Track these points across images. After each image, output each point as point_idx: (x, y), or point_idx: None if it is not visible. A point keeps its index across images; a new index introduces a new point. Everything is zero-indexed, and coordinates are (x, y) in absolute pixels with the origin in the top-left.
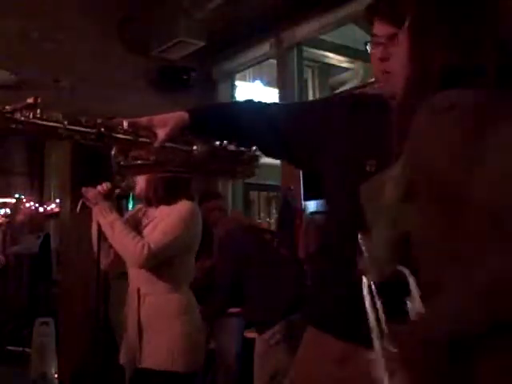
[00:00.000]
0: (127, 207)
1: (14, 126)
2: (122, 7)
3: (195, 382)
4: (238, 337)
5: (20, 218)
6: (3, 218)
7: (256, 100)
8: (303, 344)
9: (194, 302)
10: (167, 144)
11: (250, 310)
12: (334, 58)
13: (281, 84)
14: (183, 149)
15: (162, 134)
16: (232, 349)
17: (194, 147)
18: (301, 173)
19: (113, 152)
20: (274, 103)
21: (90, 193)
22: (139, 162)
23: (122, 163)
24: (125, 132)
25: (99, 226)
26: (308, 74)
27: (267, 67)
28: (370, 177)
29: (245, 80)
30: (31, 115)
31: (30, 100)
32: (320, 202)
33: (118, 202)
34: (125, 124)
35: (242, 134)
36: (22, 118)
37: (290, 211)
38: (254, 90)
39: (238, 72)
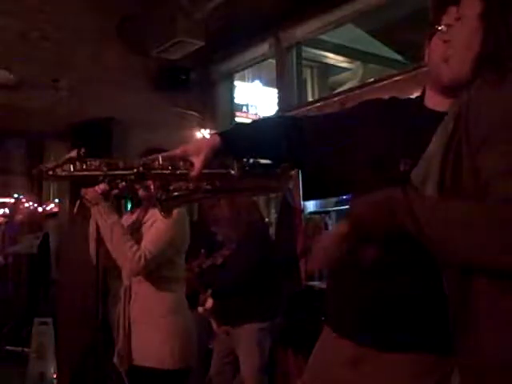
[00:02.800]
0: (126, 207)
1: (55, 181)
2: (121, 7)
3: (187, 379)
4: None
5: (19, 217)
6: (2, 218)
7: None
8: (318, 345)
9: (184, 301)
10: (204, 171)
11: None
12: (333, 58)
13: (280, 84)
14: (219, 173)
15: (197, 162)
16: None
17: (230, 170)
18: (300, 173)
19: (152, 189)
20: (302, 117)
21: (90, 193)
22: (180, 192)
23: (163, 197)
24: (162, 167)
25: (98, 226)
26: (307, 74)
27: (266, 67)
28: (405, 176)
29: (244, 80)
30: (72, 168)
31: (73, 154)
32: (319, 201)
33: (116, 202)
34: (160, 159)
35: (269, 147)
36: (64, 174)
37: (289, 211)
38: (253, 90)
39: (237, 72)
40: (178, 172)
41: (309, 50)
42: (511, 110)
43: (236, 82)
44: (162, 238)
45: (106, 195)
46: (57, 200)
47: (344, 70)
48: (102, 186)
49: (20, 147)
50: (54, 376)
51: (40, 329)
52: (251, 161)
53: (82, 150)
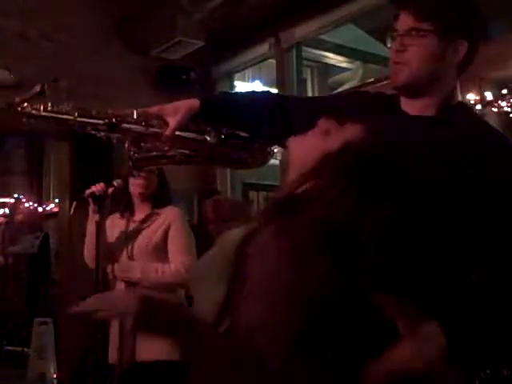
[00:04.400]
0: None
1: (24, 119)
2: (121, 7)
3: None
4: None
5: (19, 217)
6: (2, 218)
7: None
8: None
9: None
10: (179, 133)
11: None
12: (333, 58)
13: (280, 84)
14: (195, 138)
15: (172, 122)
16: None
17: (206, 136)
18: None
19: (126, 145)
20: (289, 96)
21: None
22: (153, 153)
23: (136, 155)
24: (136, 122)
25: (98, 226)
26: (307, 74)
27: (266, 67)
28: None
29: (244, 80)
30: (42, 108)
31: (37, 88)
32: None
33: (112, 202)
34: (135, 113)
35: (250, 120)
36: (33, 112)
37: None
38: (253, 89)
39: (237, 72)
40: (151, 130)
41: (309, 50)
42: None
43: (236, 82)
44: (188, 246)
45: (104, 195)
46: (57, 200)
47: (344, 69)
48: (97, 186)
49: (20, 147)
50: (54, 376)
51: (40, 329)
52: (229, 131)
53: (46, 86)
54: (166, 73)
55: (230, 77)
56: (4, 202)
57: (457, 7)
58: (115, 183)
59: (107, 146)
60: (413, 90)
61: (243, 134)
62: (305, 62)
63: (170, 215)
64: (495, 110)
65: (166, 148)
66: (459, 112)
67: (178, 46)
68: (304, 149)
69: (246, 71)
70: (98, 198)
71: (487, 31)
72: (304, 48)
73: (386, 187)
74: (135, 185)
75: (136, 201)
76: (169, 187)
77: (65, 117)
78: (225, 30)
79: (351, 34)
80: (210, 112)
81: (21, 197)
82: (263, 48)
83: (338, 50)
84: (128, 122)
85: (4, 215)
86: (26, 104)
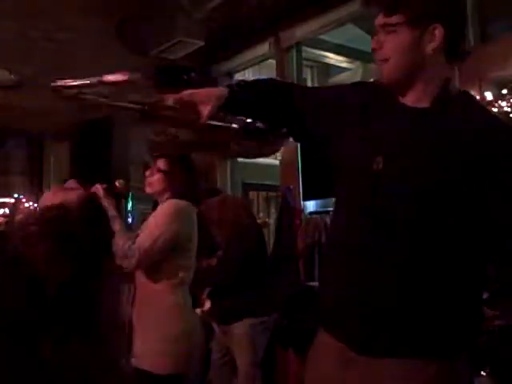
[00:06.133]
0: (126, 207)
1: (60, 99)
2: (121, 7)
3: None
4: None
5: (19, 218)
6: (2, 218)
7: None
8: (314, 342)
9: (185, 304)
10: (209, 121)
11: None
12: (333, 58)
13: None
14: (223, 125)
15: (206, 111)
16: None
17: (233, 125)
18: (300, 173)
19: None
20: (298, 86)
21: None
22: (172, 140)
23: (157, 140)
24: (167, 108)
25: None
26: (307, 74)
27: (266, 67)
28: (377, 175)
29: None
30: (77, 91)
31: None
32: (319, 201)
33: (116, 202)
34: (168, 100)
35: (268, 112)
36: (72, 93)
37: (289, 211)
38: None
39: (238, 72)
40: (183, 118)
41: (309, 50)
42: None
43: None
44: (152, 231)
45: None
46: None
47: (344, 69)
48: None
49: (20, 147)
50: None
51: None
52: (251, 121)
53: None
54: (166, 73)
55: (230, 77)
56: (4, 202)
57: None
58: (117, 184)
59: (107, 146)
60: (398, 85)
61: (260, 125)
62: (305, 62)
63: (160, 207)
64: (495, 109)
65: (187, 137)
66: (457, 102)
67: (178, 45)
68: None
69: (246, 71)
70: (119, 195)
71: (463, 8)
72: (304, 48)
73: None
74: (146, 186)
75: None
76: (178, 185)
77: (101, 101)
78: (225, 30)
79: (351, 34)
80: (237, 104)
81: (21, 197)
82: (263, 48)
83: (338, 50)
84: (159, 109)
85: (4, 215)
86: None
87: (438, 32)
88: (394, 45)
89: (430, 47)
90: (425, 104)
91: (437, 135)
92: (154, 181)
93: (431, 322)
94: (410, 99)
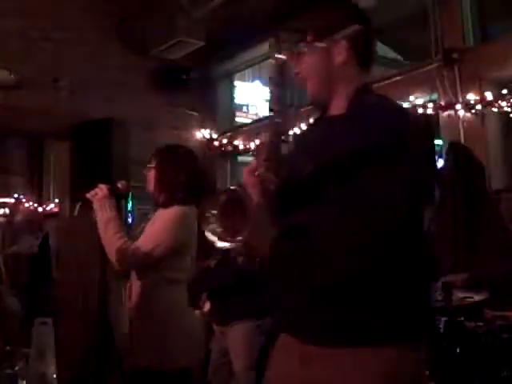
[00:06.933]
0: (126, 207)
1: None
2: (121, 7)
3: (186, 381)
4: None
5: (19, 217)
6: (2, 218)
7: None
8: (275, 345)
9: (183, 301)
10: None
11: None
12: None
13: None
14: None
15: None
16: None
17: None
18: None
19: None
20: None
21: (100, 189)
22: None
23: None
24: None
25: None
26: None
27: (266, 67)
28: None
29: (244, 80)
30: None
31: None
32: None
33: (116, 202)
34: None
35: None
36: None
37: None
38: (253, 90)
39: (238, 72)
40: None
41: None
42: None
43: (236, 82)
44: (154, 237)
45: (124, 193)
46: (57, 200)
47: None
48: (100, 188)
49: (20, 147)
50: (54, 376)
51: (40, 329)
52: None
53: None
54: (165, 73)
55: (229, 77)
56: (4, 202)
57: (314, 17)
58: (119, 185)
59: (107, 146)
60: (321, 100)
61: None
62: None
63: (157, 215)
64: (495, 109)
65: None
66: (371, 105)
67: (178, 45)
68: None
69: (246, 71)
70: (119, 196)
71: (360, 12)
72: None
73: None
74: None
75: None
76: (166, 178)
77: None
78: (225, 30)
79: None
80: None
81: (21, 197)
82: (263, 48)
83: None
84: None
85: (4, 215)
86: None
87: (341, 46)
88: (307, 66)
89: (338, 60)
90: (344, 111)
91: (346, 138)
92: (149, 178)
93: (375, 309)
94: (333, 110)
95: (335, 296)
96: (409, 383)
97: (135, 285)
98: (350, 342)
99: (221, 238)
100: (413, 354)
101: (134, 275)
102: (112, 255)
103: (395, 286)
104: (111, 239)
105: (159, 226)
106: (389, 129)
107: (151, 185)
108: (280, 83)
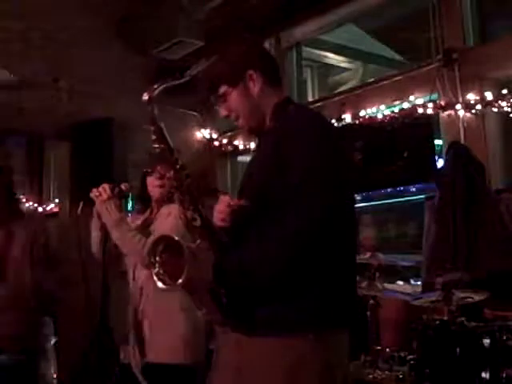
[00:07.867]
0: (126, 207)
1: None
2: (121, 7)
3: (200, 374)
4: None
5: None
6: None
7: None
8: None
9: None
10: None
11: None
12: (333, 58)
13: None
14: None
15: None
16: None
17: None
18: None
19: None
20: None
21: (103, 189)
22: None
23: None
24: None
25: (104, 225)
26: (307, 74)
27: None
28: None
29: None
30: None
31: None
32: None
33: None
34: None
35: None
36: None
37: None
38: None
39: None
40: None
41: (309, 49)
42: None
43: None
44: (174, 231)
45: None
46: (57, 200)
47: (344, 70)
48: (102, 187)
49: (20, 147)
50: (54, 376)
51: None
52: None
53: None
54: (165, 72)
55: None
56: None
57: (223, 59)
58: (123, 187)
59: (107, 146)
60: (255, 129)
61: None
62: (305, 62)
63: (163, 212)
64: (495, 109)
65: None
66: (287, 115)
67: (178, 45)
68: None
69: None
70: (123, 196)
71: (256, 43)
72: (304, 48)
73: None
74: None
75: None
76: None
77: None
78: (225, 30)
79: (351, 34)
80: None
81: (21, 197)
82: None
83: (338, 50)
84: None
85: None
86: None
87: (254, 75)
88: (233, 105)
89: (256, 90)
90: (271, 126)
91: (269, 145)
92: (149, 182)
93: (285, 306)
94: (266, 130)
95: (259, 296)
96: (318, 371)
97: (147, 284)
98: (265, 333)
99: (164, 282)
100: (322, 344)
101: (142, 277)
102: (137, 253)
103: (304, 287)
104: (132, 240)
105: (172, 221)
106: (310, 127)
107: (152, 189)
108: None
